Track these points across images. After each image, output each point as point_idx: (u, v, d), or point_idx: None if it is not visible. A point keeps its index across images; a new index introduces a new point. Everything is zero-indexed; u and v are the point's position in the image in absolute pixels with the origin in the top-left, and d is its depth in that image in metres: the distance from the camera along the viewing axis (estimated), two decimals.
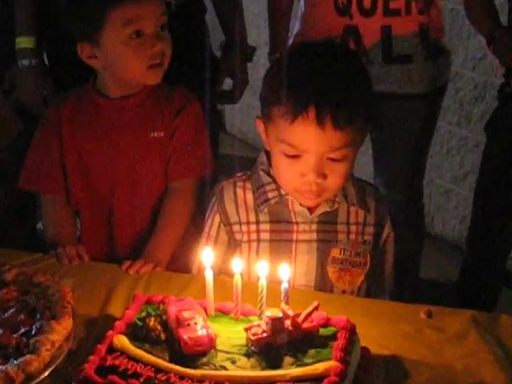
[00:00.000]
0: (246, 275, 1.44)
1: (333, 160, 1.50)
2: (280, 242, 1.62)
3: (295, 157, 1.51)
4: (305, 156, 1.50)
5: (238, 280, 1.33)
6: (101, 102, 1.87)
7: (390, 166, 2.47)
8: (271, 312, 1.26)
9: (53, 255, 1.74)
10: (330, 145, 1.48)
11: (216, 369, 1.21)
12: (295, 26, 2.42)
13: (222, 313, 1.36)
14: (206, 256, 1.37)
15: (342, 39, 2.20)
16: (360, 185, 1.68)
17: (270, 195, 1.62)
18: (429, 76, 2.32)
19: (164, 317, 1.32)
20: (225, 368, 1.21)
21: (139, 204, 1.91)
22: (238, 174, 1.69)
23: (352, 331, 1.27)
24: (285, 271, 1.30)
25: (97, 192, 1.90)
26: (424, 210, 2.66)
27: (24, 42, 2.19)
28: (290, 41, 2.41)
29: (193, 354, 1.24)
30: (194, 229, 1.85)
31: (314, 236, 1.64)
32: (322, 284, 1.64)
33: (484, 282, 2.44)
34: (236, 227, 1.65)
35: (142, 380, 1.17)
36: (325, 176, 1.50)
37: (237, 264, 1.34)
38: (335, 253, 1.64)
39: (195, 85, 2.10)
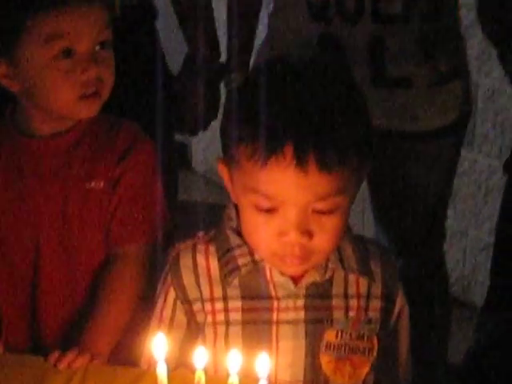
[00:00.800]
0: (211, 369, 1.13)
1: (320, 212, 1.17)
2: (256, 325, 1.27)
3: (271, 210, 1.18)
4: (283, 209, 1.17)
5: (200, 377, 1.05)
6: (20, 141, 1.51)
7: (394, 226, 2.11)
8: None
9: None
10: (316, 192, 1.15)
11: None
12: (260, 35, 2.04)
13: None
14: (159, 345, 1.08)
15: (316, 52, 1.86)
16: (361, 244, 1.33)
17: (240, 262, 1.27)
18: (437, 107, 1.93)
19: None
20: None
21: (71, 277, 1.55)
22: (199, 234, 1.33)
23: None
24: (263, 364, 1.02)
25: (14, 261, 1.56)
26: (448, 279, 2.25)
27: None
28: (254, 53, 2.04)
29: None
30: (144, 308, 1.47)
31: (302, 315, 1.28)
32: (314, 378, 1.29)
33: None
34: (197, 305, 1.30)
35: None
36: (311, 234, 1.17)
37: (199, 355, 1.05)
38: (330, 336, 1.29)
39: (145, 111, 1.82)
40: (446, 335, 2.17)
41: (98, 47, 1.42)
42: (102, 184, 1.49)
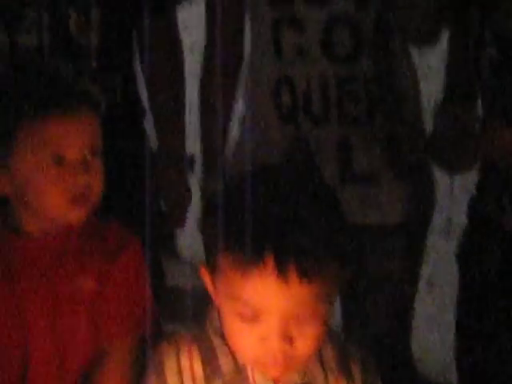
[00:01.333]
0: None
1: (302, 319, 1.19)
2: None
3: (254, 319, 1.20)
4: (265, 316, 1.16)
5: None
6: (11, 240, 1.50)
7: (360, 320, 2.12)
8: None
9: None
10: (297, 301, 1.14)
11: None
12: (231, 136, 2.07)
13: None
14: None
15: (288, 155, 1.90)
16: (341, 345, 1.33)
17: (223, 367, 1.24)
18: (402, 201, 2.01)
19: None
20: None
21: (61, 373, 1.52)
22: (183, 333, 1.31)
23: None
24: None
25: (6, 354, 1.53)
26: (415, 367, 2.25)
27: None
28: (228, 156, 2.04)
29: None
30: None
31: None
32: None
33: None
34: None
35: None
36: (292, 340, 1.16)
37: None
38: None
39: (130, 207, 1.84)
40: None
41: (88, 155, 1.43)
42: (92, 282, 1.50)
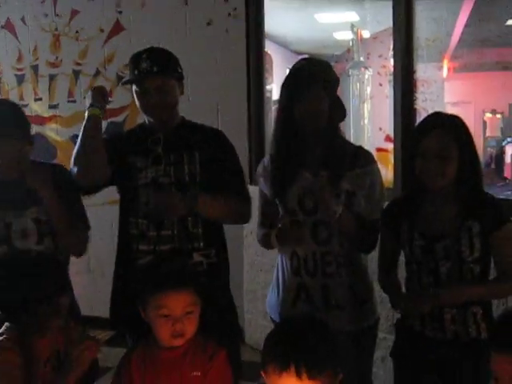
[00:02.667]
0: None
1: None
2: None
3: None
4: None
5: None
6: (157, 351, 2.02)
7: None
8: None
9: None
10: None
11: None
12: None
13: None
14: None
15: (296, 292, 2.41)
16: None
17: None
18: (357, 319, 2.41)
19: None
20: None
21: None
22: None
23: None
24: None
25: None
26: None
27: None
28: None
29: None
30: None
31: None
32: None
33: None
34: None
35: None
36: None
37: None
38: None
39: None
40: None
41: (185, 314, 1.97)
42: (199, 373, 2.00)
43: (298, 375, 1.60)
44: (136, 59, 2.43)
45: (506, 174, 2.93)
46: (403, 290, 2.36)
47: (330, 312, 2.37)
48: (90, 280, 2.98)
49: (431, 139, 2.14)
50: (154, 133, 2.49)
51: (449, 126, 2.18)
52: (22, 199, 2.45)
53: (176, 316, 1.95)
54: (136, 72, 2.42)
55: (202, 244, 2.44)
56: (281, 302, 2.46)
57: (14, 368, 2.01)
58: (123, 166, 2.46)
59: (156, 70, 2.39)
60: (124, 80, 2.55)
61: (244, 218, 2.60)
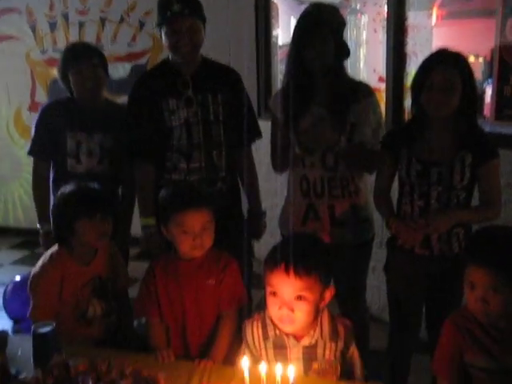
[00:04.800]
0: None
1: (298, 299, 1.68)
2: (280, 360, 1.73)
3: (275, 294, 1.70)
4: (281, 294, 1.69)
5: (263, 376, 1.56)
6: (177, 262, 2.08)
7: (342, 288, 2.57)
8: None
9: (152, 356, 1.92)
10: (295, 287, 1.67)
11: None
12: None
13: None
14: (244, 362, 1.59)
15: (305, 212, 2.45)
16: (333, 321, 1.80)
17: (269, 334, 1.79)
18: (358, 234, 2.50)
19: None
20: None
21: (202, 323, 2.08)
22: (255, 315, 1.85)
23: None
24: (291, 371, 1.53)
25: (176, 315, 2.09)
26: (367, 309, 2.78)
27: (147, 221, 2.50)
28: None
29: None
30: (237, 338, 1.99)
31: (300, 356, 1.78)
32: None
33: (401, 352, 2.59)
34: (253, 350, 1.82)
35: None
36: (293, 310, 1.68)
37: (262, 366, 1.57)
38: (315, 366, 1.77)
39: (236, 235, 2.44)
40: (367, 336, 2.67)
41: (201, 229, 2.00)
42: (214, 281, 2.06)
43: (287, 271, 1.65)
44: (167, 2, 2.41)
45: (486, 112, 2.92)
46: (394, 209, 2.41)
47: (334, 228, 2.45)
48: None
49: (438, 72, 2.15)
50: (180, 73, 2.50)
51: (454, 62, 2.18)
52: (93, 125, 2.71)
53: (195, 232, 2.00)
54: (168, 13, 2.39)
55: (224, 173, 2.54)
56: (292, 221, 2.51)
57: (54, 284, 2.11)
58: (156, 108, 2.48)
59: (187, 11, 2.39)
60: (158, 22, 2.50)
61: None
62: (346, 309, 2.54)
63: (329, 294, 1.77)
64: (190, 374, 1.78)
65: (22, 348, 1.90)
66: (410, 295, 2.42)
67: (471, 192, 2.27)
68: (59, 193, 2.27)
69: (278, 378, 1.52)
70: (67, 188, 2.24)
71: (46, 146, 2.77)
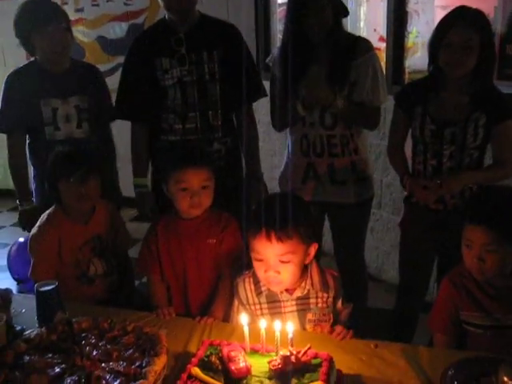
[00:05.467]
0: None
1: (282, 262, 1.69)
2: (274, 315, 1.80)
3: (261, 260, 1.71)
4: (265, 259, 1.70)
5: (263, 330, 1.57)
6: (178, 222, 2.08)
7: (342, 247, 2.67)
8: (283, 351, 1.49)
9: (153, 314, 1.93)
10: (278, 251, 1.68)
11: None
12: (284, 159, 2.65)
13: (254, 351, 1.57)
14: (243, 319, 1.60)
15: (305, 171, 2.46)
16: (323, 273, 1.83)
17: (262, 289, 1.82)
18: (357, 192, 2.51)
19: (220, 354, 1.53)
20: None
21: (202, 281, 2.10)
22: (247, 272, 1.87)
23: (331, 361, 1.49)
24: (290, 327, 1.54)
25: (177, 274, 2.11)
26: (366, 267, 2.79)
27: (139, 181, 2.53)
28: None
29: (238, 378, 1.45)
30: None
31: (294, 308, 1.81)
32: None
33: (409, 312, 2.62)
34: (247, 306, 1.84)
35: None
36: (279, 272, 1.70)
37: (262, 323, 1.58)
38: (310, 316, 1.81)
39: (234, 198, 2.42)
40: (366, 295, 2.70)
41: (201, 188, 1.99)
42: (214, 241, 2.06)
43: (268, 237, 1.65)
44: None
45: None
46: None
47: (334, 187, 2.47)
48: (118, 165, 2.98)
49: (456, 31, 2.11)
50: (175, 31, 2.43)
51: (473, 20, 2.13)
52: (66, 89, 2.60)
53: (193, 189, 2.00)
54: None
55: (220, 134, 2.48)
56: (292, 180, 2.52)
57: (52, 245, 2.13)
58: (150, 67, 2.44)
59: None
60: None
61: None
62: (344, 267, 2.56)
63: (313, 250, 1.78)
64: (190, 331, 1.81)
65: (26, 306, 1.93)
66: (423, 252, 2.44)
67: (484, 151, 2.27)
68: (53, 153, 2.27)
69: (277, 333, 1.54)
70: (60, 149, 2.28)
71: (18, 118, 2.60)
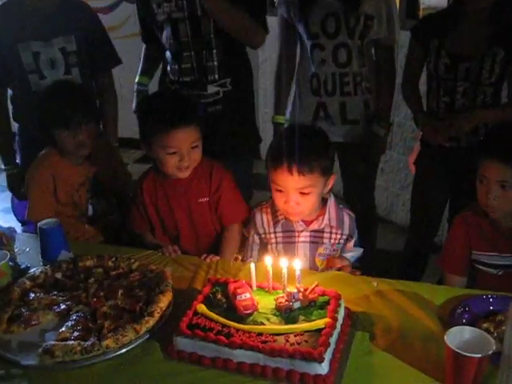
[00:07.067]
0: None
1: (302, 194, 1.69)
2: (289, 243, 1.83)
3: (281, 191, 1.71)
4: (285, 191, 1.70)
5: (270, 268, 1.54)
6: (164, 182, 1.97)
7: (352, 188, 2.66)
8: (290, 288, 1.47)
9: (159, 251, 1.90)
10: (298, 184, 1.67)
11: (258, 324, 1.40)
12: (291, 95, 2.57)
13: (261, 288, 1.55)
14: (267, 260, 1.55)
15: (315, 111, 2.41)
16: (340, 211, 1.84)
17: (279, 218, 1.82)
18: (368, 131, 2.46)
19: (226, 292, 1.52)
20: (263, 323, 1.40)
21: (197, 241, 2.04)
22: (263, 202, 1.88)
23: (338, 298, 1.46)
24: (298, 264, 1.50)
25: (169, 233, 2.05)
26: (375, 208, 2.79)
27: (141, 79, 2.50)
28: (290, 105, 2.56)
29: (244, 315, 1.44)
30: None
31: (308, 239, 1.83)
32: (312, 267, 1.84)
33: (418, 252, 2.61)
34: (263, 235, 1.87)
35: (214, 332, 1.37)
36: (298, 204, 1.70)
37: (268, 259, 1.55)
38: (321, 250, 1.83)
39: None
40: (375, 236, 2.70)
41: (190, 149, 1.84)
42: (207, 199, 1.96)
43: (289, 170, 1.64)
44: None
45: None
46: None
47: (346, 126, 2.43)
48: (119, 104, 2.92)
49: None
50: None
51: None
52: (48, 29, 2.31)
53: (182, 152, 1.86)
54: None
55: (216, 76, 2.33)
56: (301, 121, 2.47)
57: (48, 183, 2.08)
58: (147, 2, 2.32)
59: None
60: None
61: (251, 37, 2.30)
62: (354, 207, 2.54)
63: (331, 181, 1.79)
64: (196, 269, 1.80)
65: (31, 245, 1.93)
66: (436, 191, 2.42)
67: (499, 90, 2.21)
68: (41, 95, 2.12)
69: (285, 271, 1.52)
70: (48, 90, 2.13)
71: None
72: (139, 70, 2.52)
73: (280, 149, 1.68)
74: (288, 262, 1.50)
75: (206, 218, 2.00)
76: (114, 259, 1.75)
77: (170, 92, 2.26)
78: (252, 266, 1.55)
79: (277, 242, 1.85)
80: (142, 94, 2.45)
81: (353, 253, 1.87)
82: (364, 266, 1.81)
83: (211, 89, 2.32)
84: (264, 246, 1.88)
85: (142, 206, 2.00)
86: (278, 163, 1.66)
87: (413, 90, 2.37)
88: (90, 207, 2.21)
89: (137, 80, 2.51)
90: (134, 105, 2.54)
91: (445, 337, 1.23)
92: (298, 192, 1.68)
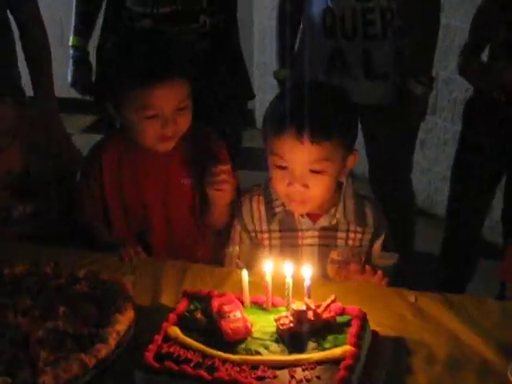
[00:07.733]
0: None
1: (314, 172, 1.68)
2: (287, 247, 1.83)
3: (284, 168, 1.70)
4: (291, 167, 1.69)
5: (269, 278, 1.54)
6: (136, 155, 1.99)
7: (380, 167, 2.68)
8: (296, 305, 1.47)
9: (115, 255, 1.91)
10: (310, 157, 1.66)
11: (252, 354, 1.39)
12: (297, 43, 2.58)
13: (256, 304, 1.55)
14: (267, 266, 1.55)
15: (330, 59, 2.43)
16: (359, 200, 1.84)
17: (276, 210, 1.82)
18: (402, 90, 2.47)
19: (208, 310, 1.51)
20: (259, 353, 1.39)
21: (171, 229, 2.06)
22: (254, 188, 1.87)
23: (364, 319, 1.46)
24: (307, 271, 1.50)
25: (132, 224, 2.08)
26: (414, 196, 2.84)
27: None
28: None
29: (233, 342, 1.43)
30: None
31: (316, 241, 1.83)
32: (322, 276, 1.81)
33: (461, 251, 2.65)
34: (253, 233, 1.86)
35: (191, 365, 1.35)
36: (307, 186, 1.69)
37: (268, 265, 1.54)
38: (334, 255, 1.82)
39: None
40: (413, 235, 2.72)
41: (177, 111, 1.82)
42: (190, 181, 1.97)
43: (299, 137, 1.62)
44: None
45: None
46: None
47: (371, 82, 2.45)
48: (66, 55, 2.89)
49: None
50: None
51: None
52: None
53: (166, 116, 1.85)
54: None
55: (205, 4, 2.38)
56: (309, 72, 2.49)
57: None
58: None
59: None
60: None
61: None
62: (382, 195, 2.54)
63: (352, 161, 1.77)
64: (166, 278, 1.81)
65: None
66: (486, 165, 2.46)
67: None
68: None
69: (289, 280, 1.52)
70: None
71: None
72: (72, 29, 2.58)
73: (285, 109, 1.67)
74: (293, 268, 1.52)
75: (185, 207, 2.00)
76: (53, 265, 1.75)
77: (144, 31, 2.29)
78: (244, 273, 1.55)
79: (271, 245, 1.84)
80: (78, 61, 2.53)
81: (384, 259, 1.86)
82: (397, 274, 1.82)
83: (203, 20, 2.40)
84: (256, 247, 1.88)
85: (97, 188, 2.01)
86: (282, 128, 1.65)
87: (474, 58, 2.41)
88: (15, 212, 2.24)
89: (70, 43, 2.55)
90: (69, 77, 2.63)
91: (508, 371, 1.25)
92: (307, 169, 1.67)
